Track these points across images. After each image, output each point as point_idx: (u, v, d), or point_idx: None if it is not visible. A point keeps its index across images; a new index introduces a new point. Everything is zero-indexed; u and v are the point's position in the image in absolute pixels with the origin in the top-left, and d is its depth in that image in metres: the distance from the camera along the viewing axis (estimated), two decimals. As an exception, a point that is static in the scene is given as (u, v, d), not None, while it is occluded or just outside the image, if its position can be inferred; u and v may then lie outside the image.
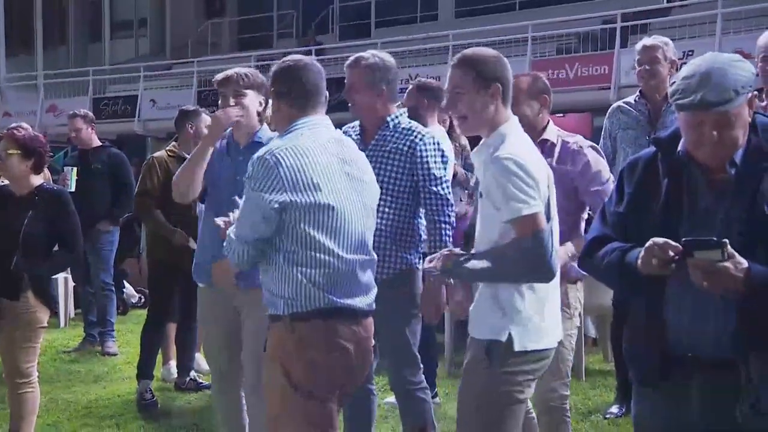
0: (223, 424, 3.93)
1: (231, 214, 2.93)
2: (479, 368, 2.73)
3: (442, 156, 3.70)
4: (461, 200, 6.44)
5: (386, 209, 3.51)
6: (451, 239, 3.65)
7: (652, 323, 2.34)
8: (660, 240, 2.16)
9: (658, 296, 2.31)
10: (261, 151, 2.75)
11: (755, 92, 2.29)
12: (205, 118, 5.51)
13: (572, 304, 3.48)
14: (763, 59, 3.76)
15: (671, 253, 2.15)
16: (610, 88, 12.85)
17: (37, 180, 4.06)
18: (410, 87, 5.16)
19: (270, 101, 3.35)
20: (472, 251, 2.81)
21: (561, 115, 11.39)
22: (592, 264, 2.50)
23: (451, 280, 3.44)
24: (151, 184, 5.34)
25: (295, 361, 2.71)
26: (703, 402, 2.30)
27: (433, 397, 4.30)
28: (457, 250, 2.84)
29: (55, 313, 8.06)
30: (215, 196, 3.66)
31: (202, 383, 5.61)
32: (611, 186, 3.41)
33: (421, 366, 3.78)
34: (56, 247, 4.04)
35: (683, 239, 2.14)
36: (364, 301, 2.81)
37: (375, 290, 2.89)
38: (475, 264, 2.72)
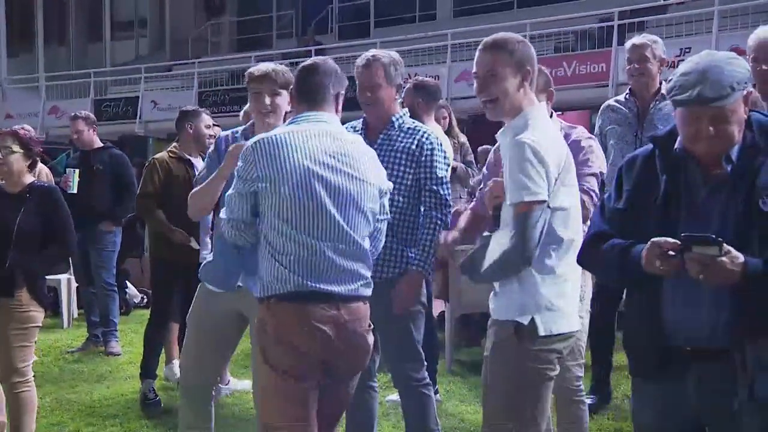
0: None
1: None
2: (508, 349, 2.77)
3: (444, 157, 3.76)
4: (460, 197, 6.49)
5: (393, 208, 3.50)
6: (437, 236, 3.68)
7: (649, 316, 2.39)
8: (660, 240, 2.21)
9: (656, 289, 2.35)
10: (251, 140, 2.95)
11: (751, 89, 2.34)
12: (205, 119, 5.55)
13: (582, 287, 3.51)
14: (753, 59, 3.79)
15: (670, 252, 2.19)
16: (608, 86, 12.87)
17: (29, 178, 4.12)
18: (407, 86, 5.18)
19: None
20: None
21: (560, 112, 11.41)
22: (591, 260, 2.55)
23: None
24: (153, 186, 5.37)
25: (271, 341, 2.86)
26: (699, 392, 2.35)
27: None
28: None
29: (56, 314, 8.15)
30: None
31: None
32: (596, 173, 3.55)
33: (425, 362, 3.82)
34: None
35: (682, 234, 2.18)
36: (346, 286, 2.87)
37: (363, 278, 2.94)
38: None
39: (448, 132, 6.61)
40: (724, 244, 2.14)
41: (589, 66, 13.66)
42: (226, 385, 5.45)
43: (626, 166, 2.54)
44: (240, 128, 3.77)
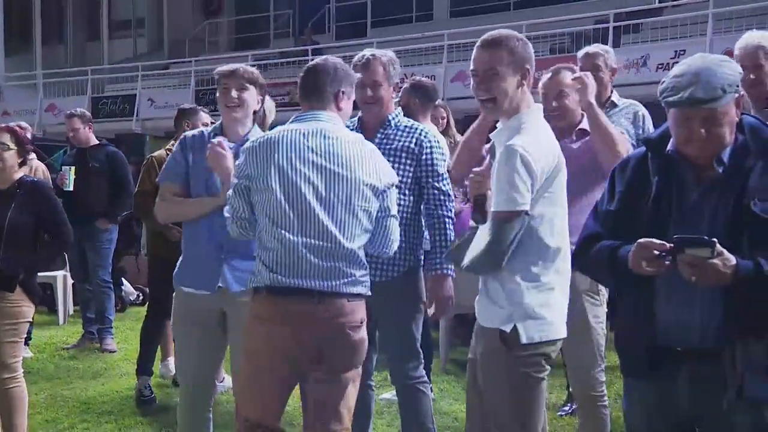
0: None
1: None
2: (497, 357, 2.79)
3: (442, 153, 3.79)
4: (455, 197, 6.51)
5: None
6: (453, 234, 3.72)
7: (640, 316, 2.41)
8: (646, 241, 2.24)
9: (647, 290, 2.38)
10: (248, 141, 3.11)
11: (743, 93, 2.37)
12: (203, 117, 5.56)
13: (601, 290, 3.52)
14: (741, 67, 3.81)
15: (656, 252, 2.22)
16: (602, 87, 12.93)
17: (18, 174, 4.15)
18: (404, 85, 5.18)
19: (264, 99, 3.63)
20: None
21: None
22: (584, 262, 2.57)
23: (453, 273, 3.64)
24: (150, 184, 5.37)
25: (249, 331, 3.01)
26: (690, 391, 2.37)
27: (428, 393, 4.37)
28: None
29: (52, 310, 8.16)
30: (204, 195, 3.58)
31: None
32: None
33: (423, 361, 3.84)
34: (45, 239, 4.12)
35: (675, 236, 2.21)
36: (326, 282, 2.92)
37: (347, 276, 2.96)
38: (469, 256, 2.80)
39: (445, 132, 6.63)
40: (717, 245, 2.17)
41: (585, 68, 13.68)
42: (221, 382, 5.47)
43: (619, 168, 2.56)
44: (208, 127, 3.77)
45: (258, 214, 2.98)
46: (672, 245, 2.21)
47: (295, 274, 2.92)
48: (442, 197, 3.72)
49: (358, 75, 3.58)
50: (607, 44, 13.59)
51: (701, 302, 2.31)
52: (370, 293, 3.07)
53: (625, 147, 3.45)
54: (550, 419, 4.73)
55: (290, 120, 3.09)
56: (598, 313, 3.52)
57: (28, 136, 4.26)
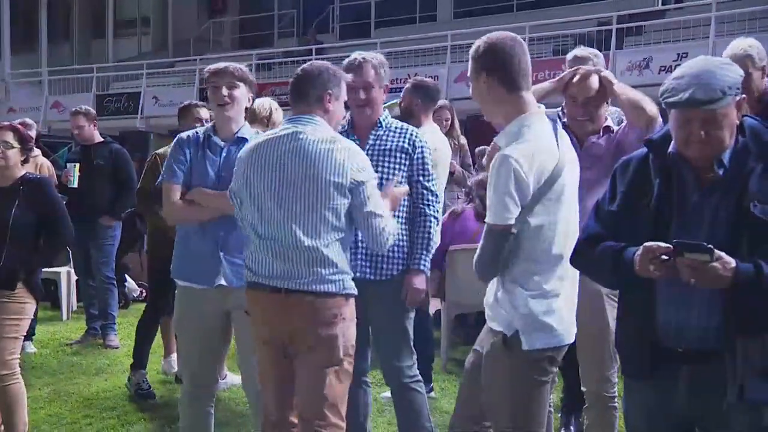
0: None
1: None
2: (499, 357, 2.83)
3: (430, 153, 3.85)
4: (458, 197, 6.54)
5: None
6: (434, 233, 3.81)
7: (642, 317, 2.42)
8: (652, 245, 2.25)
9: (648, 291, 2.39)
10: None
11: (744, 96, 2.37)
12: (203, 113, 5.56)
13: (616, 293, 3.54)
14: None
15: (662, 256, 2.23)
16: (605, 88, 12.96)
17: (21, 171, 4.17)
18: (407, 85, 5.19)
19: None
20: None
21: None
22: (584, 261, 2.58)
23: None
24: (154, 181, 5.36)
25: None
26: (690, 392, 2.38)
27: (428, 392, 4.37)
28: None
29: (55, 306, 8.18)
30: None
31: None
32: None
33: (416, 361, 3.86)
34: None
35: (674, 241, 2.22)
36: (288, 282, 3.08)
37: (313, 275, 3.06)
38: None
39: (449, 133, 6.64)
40: (716, 251, 2.18)
41: (588, 70, 13.70)
42: (223, 379, 5.50)
43: (621, 169, 2.57)
44: (201, 127, 3.80)
45: (243, 216, 3.20)
46: (672, 249, 2.22)
47: (263, 273, 3.12)
48: (430, 197, 3.78)
49: (350, 77, 3.63)
50: (610, 46, 13.75)
51: (701, 304, 2.32)
52: (348, 291, 3.14)
53: (652, 105, 3.44)
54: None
55: (283, 123, 3.28)
56: (614, 315, 3.53)
57: (33, 133, 4.30)
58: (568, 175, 2.80)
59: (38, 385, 5.60)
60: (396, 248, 3.67)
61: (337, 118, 3.29)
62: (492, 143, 3.10)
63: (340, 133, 3.62)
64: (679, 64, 2.52)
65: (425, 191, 3.76)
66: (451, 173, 5.92)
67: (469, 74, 2.88)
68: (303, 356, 3.12)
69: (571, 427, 4.43)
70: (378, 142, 3.74)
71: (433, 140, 4.53)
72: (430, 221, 3.78)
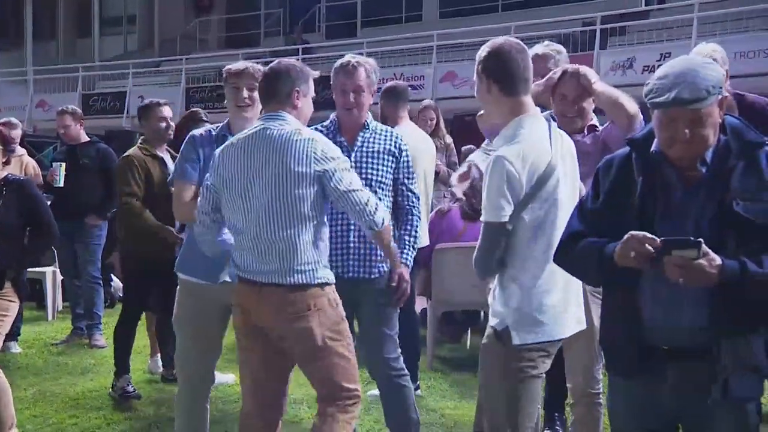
0: None
1: None
2: (491, 350, 2.95)
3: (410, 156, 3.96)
4: (445, 196, 6.56)
5: None
6: (419, 231, 3.93)
7: (627, 315, 2.43)
8: (639, 233, 2.25)
9: (633, 288, 2.40)
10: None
11: (726, 94, 2.40)
12: (159, 111, 5.47)
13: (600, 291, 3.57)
14: None
15: (649, 247, 2.23)
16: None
17: (3, 172, 4.16)
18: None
19: None
20: None
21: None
22: (567, 259, 2.58)
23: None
24: (136, 185, 5.26)
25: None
26: (675, 390, 2.39)
27: (415, 390, 4.40)
28: None
29: (41, 306, 8.15)
30: None
31: None
32: None
33: (400, 354, 3.89)
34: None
35: (661, 239, 2.22)
36: (262, 276, 3.16)
37: (277, 267, 3.13)
38: None
39: (434, 133, 6.67)
40: (703, 246, 2.19)
41: (572, 69, 13.79)
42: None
43: (604, 167, 2.57)
44: (216, 126, 3.81)
45: (224, 214, 3.27)
46: (659, 247, 2.22)
47: (243, 267, 3.21)
48: (414, 199, 3.90)
49: (341, 79, 3.72)
50: (594, 46, 13.83)
51: (687, 302, 2.33)
52: (321, 281, 3.17)
53: (632, 103, 3.52)
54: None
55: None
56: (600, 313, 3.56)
57: (19, 132, 4.27)
58: (563, 172, 2.89)
59: (23, 386, 5.57)
60: (376, 249, 3.70)
61: (306, 115, 3.33)
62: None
63: (326, 134, 3.68)
64: (662, 64, 2.53)
65: (410, 193, 3.88)
66: (437, 173, 5.95)
67: (475, 76, 3.02)
68: (288, 346, 3.21)
69: (557, 424, 4.45)
70: (365, 144, 3.79)
71: (413, 138, 4.59)
72: (417, 221, 3.90)
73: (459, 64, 15.46)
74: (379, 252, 3.67)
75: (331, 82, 3.81)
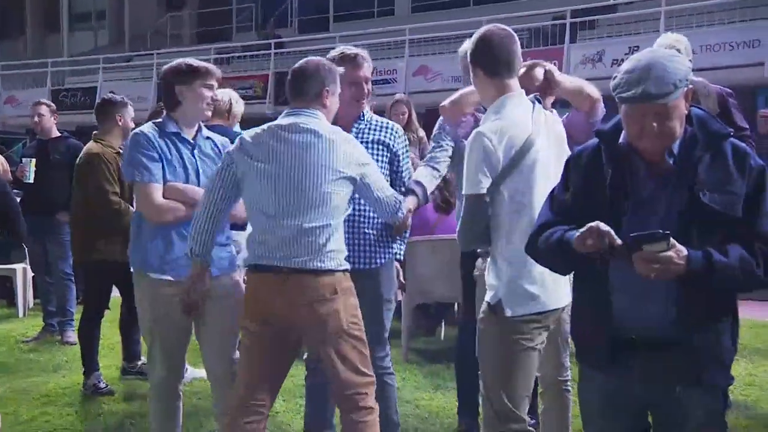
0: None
1: None
2: (488, 324, 3.07)
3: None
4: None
5: None
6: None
7: (598, 305, 2.45)
8: (603, 227, 2.26)
9: (604, 279, 2.42)
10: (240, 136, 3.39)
11: (692, 86, 2.41)
12: (131, 111, 5.48)
13: None
14: None
15: (607, 242, 2.25)
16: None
17: None
18: None
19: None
20: None
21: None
22: (537, 249, 2.60)
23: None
24: (116, 182, 5.18)
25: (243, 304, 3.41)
26: (645, 379, 2.42)
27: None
28: None
29: (11, 303, 8.07)
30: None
31: None
32: None
33: (389, 352, 3.91)
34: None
35: (632, 234, 2.23)
36: (288, 260, 3.21)
37: (304, 253, 3.21)
38: None
39: (407, 126, 6.70)
40: (671, 238, 2.21)
41: (543, 62, 13.92)
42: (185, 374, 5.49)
43: (574, 159, 2.60)
44: (150, 123, 3.70)
45: (245, 200, 3.33)
46: (628, 243, 2.24)
47: (265, 254, 3.24)
48: (403, 188, 3.85)
49: (350, 71, 3.65)
50: (564, 40, 13.94)
51: (656, 292, 2.35)
52: (345, 267, 3.30)
53: (594, 89, 3.62)
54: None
55: (282, 114, 3.38)
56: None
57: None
58: (545, 149, 3.03)
59: (-5, 383, 5.54)
60: (376, 239, 3.75)
61: (333, 112, 3.44)
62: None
63: None
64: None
65: (402, 184, 3.88)
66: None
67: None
68: (310, 334, 3.30)
69: (528, 412, 4.50)
70: (360, 135, 3.78)
71: None
72: (406, 215, 3.81)
73: (431, 58, 15.51)
74: (370, 244, 3.72)
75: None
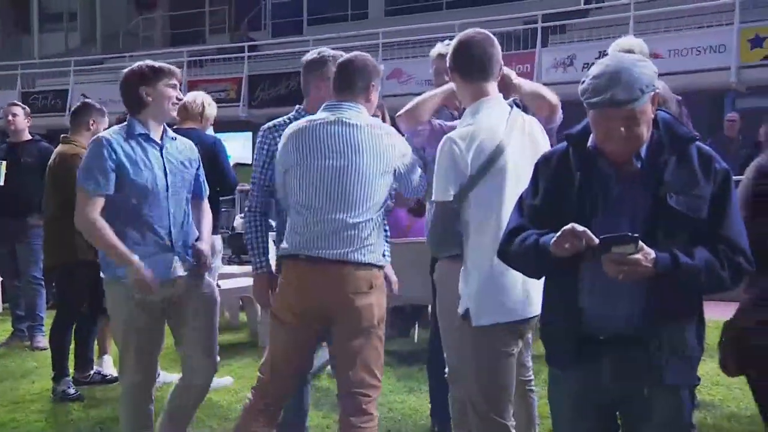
0: None
1: None
2: (463, 331, 3.09)
3: None
4: (391, 195, 6.60)
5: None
6: None
7: (566, 306, 2.47)
8: (578, 228, 2.28)
9: (571, 282, 2.44)
10: (290, 127, 3.49)
11: (658, 90, 2.44)
12: (106, 121, 5.45)
13: None
14: None
15: (584, 243, 2.27)
16: (531, 84, 13.33)
17: None
18: None
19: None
20: None
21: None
22: (508, 254, 2.60)
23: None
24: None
25: (277, 293, 3.47)
26: (613, 378, 2.45)
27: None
28: None
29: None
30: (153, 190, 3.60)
31: (107, 376, 5.66)
32: None
33: None
34: None
35: (601, 237, 2.26)
36: (330, 252, 3.26)
37: (347, 245, 3.27)
38: None
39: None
40: (639, 241, 2.24)
41: (515, 66, 13.94)
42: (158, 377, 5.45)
43: (543, 162, 2.62)
44: (116, 127, 3.71)
45: (288, 193, 3.40)
46: (597, 246, 2.26)
47: (303, 245, 3.29)
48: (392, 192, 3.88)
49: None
50: (535, 44, 14.04)
51: (623, 293, 2.37)
52: (382, 263, 3.38)
53: (552, 95, 3.59)
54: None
55: (321, 108, 3.43)
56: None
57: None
58: (515, 154, 3.02)
59: (-37, 389, 5.48)
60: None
61: (373, 108, 3.51)
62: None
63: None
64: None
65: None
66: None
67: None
68: (340, 325, 3.32)
69: None
70: None
71: None
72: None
73: (405, 62, 15.55)
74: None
75: (312, 76, 3.74)
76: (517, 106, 3.16)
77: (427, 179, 3.48)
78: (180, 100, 3.72)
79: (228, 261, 10.80)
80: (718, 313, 3.15)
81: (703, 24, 13.18)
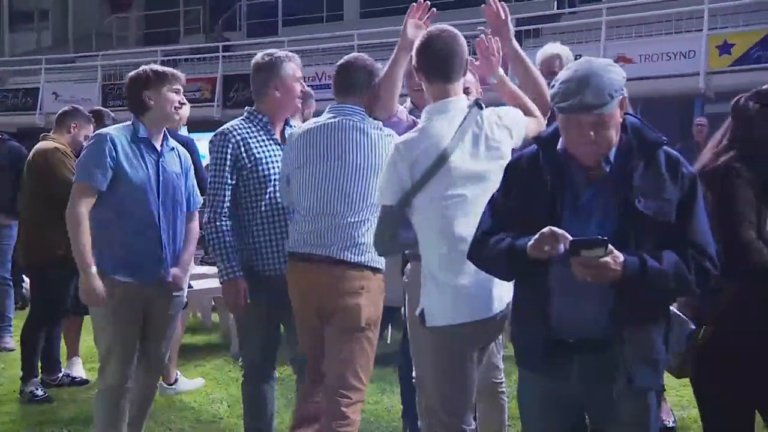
0: None
1: None
2: (419, 332, 3.10)
3: None
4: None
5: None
6: None
7: (535, 309, 2.48)
8: (558, 230, 2.30)
9: (542, 283, 2.45)
10: (297, 130, 3.57)
11: (625, 95, 2.46)
12: (90, 129, 5.38)
13: None
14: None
15: (562, 246, 2.29)
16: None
17: None
18: None
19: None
20: None
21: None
22: (480, 256, 2.62)
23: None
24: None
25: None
26: (581, 381, 2.47)
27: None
28: None
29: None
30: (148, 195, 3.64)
31: (76, 378, 5.62)
32: None
33: None
34: None
35: (570, 240, 2.28)
36: (323, 249, 3.33)
37: (341, 245, 3.32)
38: None
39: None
40: (609, 245, 2.26)
41: (486, 71, 14.11)
42: (173, 384, 5.46)
43: (512, 165, 2.64)
44: (121, 125, 3.74)
45: (292, 194, 3.46)
46: (567, 248, 2.28)
47: (301, 243, 3.37)
48: None
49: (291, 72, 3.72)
50: (508, 48, 14.10)
51: (592, 296, 2.39)
52: (376, 265, 3.36)
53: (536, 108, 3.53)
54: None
55: (327, 109, 3.48)
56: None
57: None
58: (463, 159, 2.93)
59: (-72, 391, 5.40)
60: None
61: (374, 108, 3.54)
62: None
63: (257, 129, 3.72)
64: (570, 67, 2.59)
65: None
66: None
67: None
68: (331, 324, 3.36)
69: None
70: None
71: None
72: None
73: (380, 63, 15.55)
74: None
75: (274, 76, 3.73)
76: (479, 106, 3.03)
77: None
78: (183, 104, 3.76)
79: (201, 261, 10.74)
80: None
81: (672, 30, 13.33)
